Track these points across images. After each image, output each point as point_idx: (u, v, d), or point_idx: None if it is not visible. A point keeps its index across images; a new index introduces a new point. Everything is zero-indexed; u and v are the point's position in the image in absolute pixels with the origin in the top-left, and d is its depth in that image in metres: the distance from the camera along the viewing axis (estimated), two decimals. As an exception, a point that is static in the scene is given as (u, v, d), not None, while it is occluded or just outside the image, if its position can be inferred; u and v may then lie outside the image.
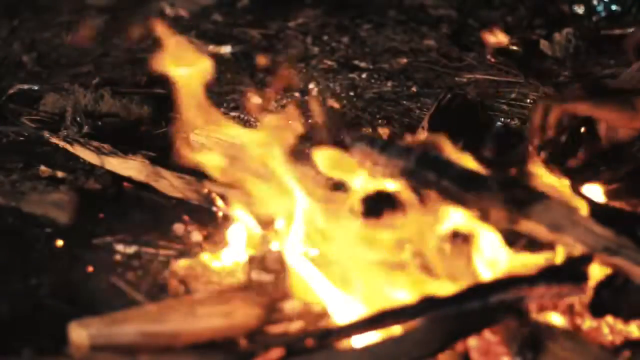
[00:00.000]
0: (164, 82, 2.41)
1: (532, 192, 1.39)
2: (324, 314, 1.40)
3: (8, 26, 2.91)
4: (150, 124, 2.18)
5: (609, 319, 1.39)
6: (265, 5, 2.97)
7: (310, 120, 1.96)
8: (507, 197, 1.37)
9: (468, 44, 2.72)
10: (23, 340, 1.34)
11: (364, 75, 2.49)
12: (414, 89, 2.37)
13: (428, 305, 1.31)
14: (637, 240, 1.34)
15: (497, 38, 2.70)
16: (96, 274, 1.55)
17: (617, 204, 1.59)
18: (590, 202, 1.48)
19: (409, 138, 1.64)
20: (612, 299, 1.39)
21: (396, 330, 1.27)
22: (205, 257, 1.59)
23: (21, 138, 2.09)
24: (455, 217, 1.42)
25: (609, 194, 1.64)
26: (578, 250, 1.34)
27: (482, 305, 1.29)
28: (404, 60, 2.54)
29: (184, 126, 1.74)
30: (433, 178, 1.41)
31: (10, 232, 1.67)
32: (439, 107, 2.04)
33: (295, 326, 1.38)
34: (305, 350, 1.22)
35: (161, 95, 2.35)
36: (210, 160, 1.64)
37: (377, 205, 1.43)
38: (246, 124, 2.17)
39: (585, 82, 2.09)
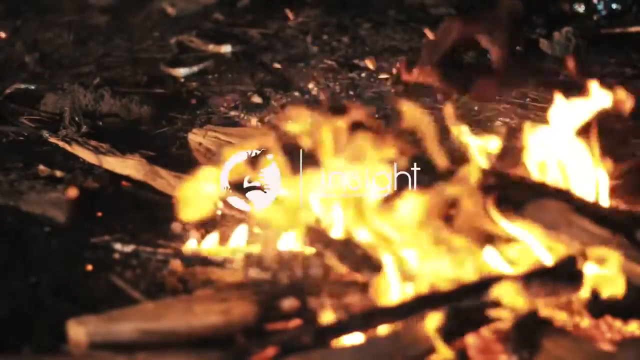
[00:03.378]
0: (164, 81, 2.45)
1: (527, 191, 1.39)
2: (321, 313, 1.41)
3: (11, 26, 2.92)
4: (150, 124, 2.19)
5: (608, 318, 1.39)
6: (266, 4, 2.97)
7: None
8: (501, 197, 1.37)
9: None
10: (22, 338, 1.35)
11: (363, 75, 2.49)
12: (413, 88, 2.36)
13: (424, 302, 1.31)
14: (633, 238, 1.34)
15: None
16: (95, 272, 1.55)
17: (614, 202, 1.59)
18: (586, 201, 1.48)
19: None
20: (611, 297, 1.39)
21: (393, 327, 1.27)
22: (203, 255, 1.59)
23: (21, 138, 2.10)
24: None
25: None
26: (574, 249, 1.35)
27: (479, 303, 1.29)
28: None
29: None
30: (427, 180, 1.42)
31: (9, 231, 1.67)
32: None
33: (293, 324, 1.39)
34: (302, 348, 1.22)
35: (161, 95, 2.36)
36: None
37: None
38: (246, 124, 2.17)
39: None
